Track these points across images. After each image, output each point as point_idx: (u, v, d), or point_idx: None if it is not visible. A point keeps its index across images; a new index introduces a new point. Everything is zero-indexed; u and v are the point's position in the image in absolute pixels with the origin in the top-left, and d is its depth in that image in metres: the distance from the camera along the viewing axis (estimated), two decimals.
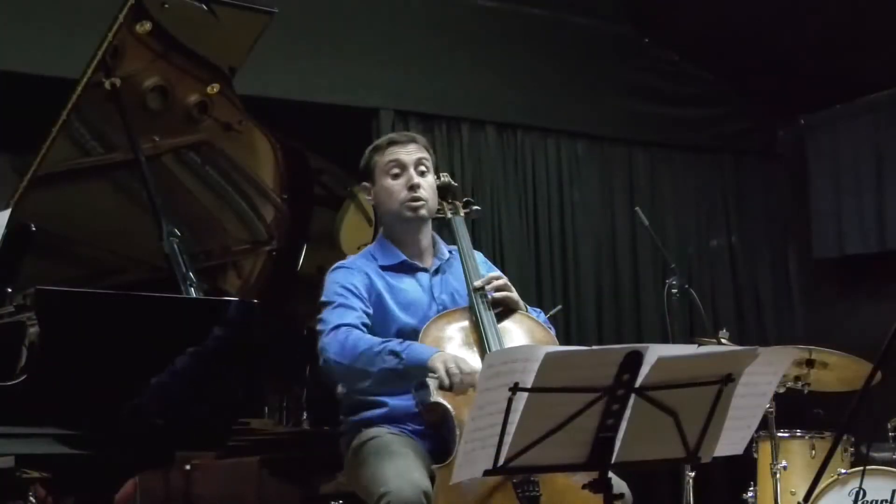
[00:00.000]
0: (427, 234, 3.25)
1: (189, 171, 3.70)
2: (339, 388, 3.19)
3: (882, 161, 6.09)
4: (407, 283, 3.16)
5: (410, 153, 3.17)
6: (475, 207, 3.43)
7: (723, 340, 4.59)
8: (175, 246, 3.14)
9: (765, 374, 2.46)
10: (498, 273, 3.23)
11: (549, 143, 5.93)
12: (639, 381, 2.28)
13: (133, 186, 3.49)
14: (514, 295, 3.18)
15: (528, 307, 3.27)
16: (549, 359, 2.19)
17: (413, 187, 3.13)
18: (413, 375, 2.89)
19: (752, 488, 4.65)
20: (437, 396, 2.89)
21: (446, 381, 2.79)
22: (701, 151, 6.47)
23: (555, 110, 5.93)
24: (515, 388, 2.20)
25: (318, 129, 4.72)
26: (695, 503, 4.61)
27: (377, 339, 2.94)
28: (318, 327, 3.04)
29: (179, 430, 2.87)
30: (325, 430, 3.58)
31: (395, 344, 2.90)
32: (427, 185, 3.17)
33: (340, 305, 3.04)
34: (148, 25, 3.26)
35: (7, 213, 3.12)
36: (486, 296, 3.11)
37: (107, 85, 3.28)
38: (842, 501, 4.19)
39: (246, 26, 3.49)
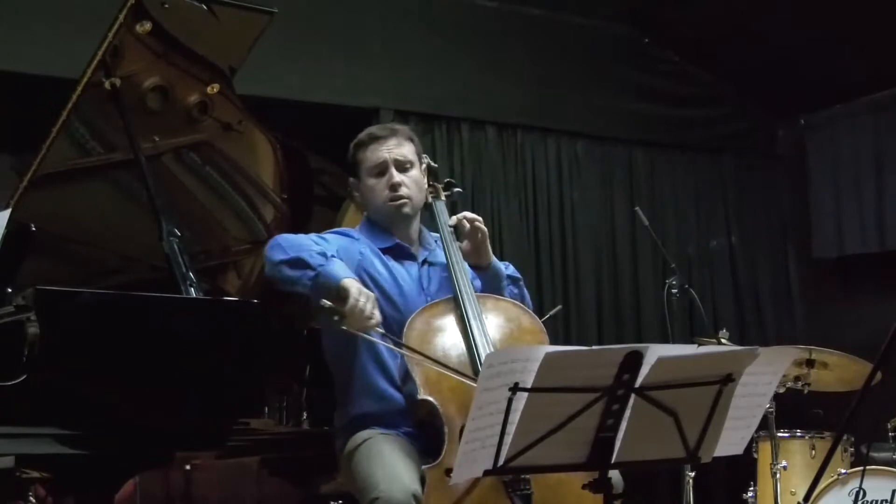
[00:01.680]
0: (415, 226, 3.25)
1: (189, 171, 3.70)
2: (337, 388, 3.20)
3: (882, 161, 6.09)
4: (398, 271, 3.16)
5: (391, 149, 3.16)
6: (457, 189, 3.40)
7: (723, 340, 4.59)
8: (175, 246, 3.13)
9: (765, 374, 2.47)
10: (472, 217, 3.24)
11: (549, 143, 5.93)
12: (639, 381, 2.28)
13: (133, 186, 3.49)
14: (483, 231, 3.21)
15: (498, 261, 3.29)
16: (549, 359, 2.19)
17: (394, 186, 3.13)
18: (321, 287, 2.90)
19: (752, 488, 4.65)
20: (424, 394, 2.89)
21: (350, 304, 2.81)
22: (701, 151, 6.47)
23: (555, 110, 5.93)
24: (515, 388, 2.21)
25: (318, 129, 4.72)
26: (695, 503, 4.61)
27: (317, 248, 2.98)
28: None
29: (179, 429, 2.87)
30: (325, 430, 3.58)
31: (327, 250, 2.96)
32: (411, 182, 3.16)
33: (322, 237, 3.09)
34: (148, 25, 3.25)
35: (7, 213, 3.12)
36: (466, 273, 3.11)
37: (107, 85, 3.28)
38: (842, 501, 4.20)
39: (246, 26, 3.48)
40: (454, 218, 3.21)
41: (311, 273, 2.92)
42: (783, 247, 6.71)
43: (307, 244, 2.99)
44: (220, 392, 2.92)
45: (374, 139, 3.18)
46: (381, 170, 3.15)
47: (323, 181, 4.18)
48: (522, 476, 2.72)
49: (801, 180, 6.58)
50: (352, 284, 2.86)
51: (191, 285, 3.07)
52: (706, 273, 6.38)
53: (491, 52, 5.76)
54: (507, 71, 5.79)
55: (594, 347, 2.34)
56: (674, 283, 4.78)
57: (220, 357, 2.93)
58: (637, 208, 4.99)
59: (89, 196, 3.54)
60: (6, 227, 3.06)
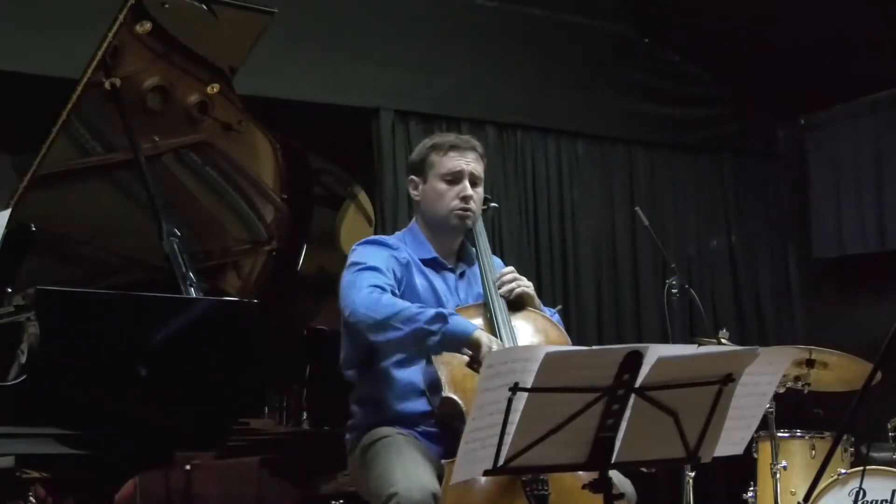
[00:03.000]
0: (459, 240, 3.28)
1: (189, 171, 3.70)
2: (353, 393, 3.20)
3: (882, 161, 6.09)
4: (435, 280, 3.19)
5: (469, 163, 3.18)
6: (493, 205, 3.45)
7: (723, 340, 4.59)
8: (175, 246, 3.14)
9: (765, 374, 2.47)
10: (510, 270, 3.23)
11: (549, 143, 5.93)
12: (639, 381, 2.28)
13: (133, 186, 3.49)
14: (530, 290, 3.20)
15: (543, 307, 3.29)
16: (549, 359, 2.19)
17: (466, 198, 3.16)
18: (448, 344, 2.89)
19: (752, 488, 4.65)
20: (448, 392, 2.90)
21: (483, 353, 2.79)
22: (701, 151, 6.48)
23: (555, 110, 5.93)
24: (515, 388, 2.21)
25: (318, 129, 4.72)
26: (695, 503, 4.61)
27: (413, 304, 2.96)
28: (345, 281, 3.04)
29: (179, 430, 2.87)
30: (325, 430, 3.58)
31: (437, 309, 2.93)
32: (478, 198, 3.20)
33: (373, 269, 3.05)
34: (148, 25, 3.25)
35: (7, 213, 3.12)
36: (501, 295, 3.13)
37: (107, 85, 3.28)
38: (842, 501, 4.20)
39: (246, 26, 3.48)
40: (497, 281, 3.18)
41: (435, 339, 2.87)
42: (783, 247, 6.70)
43: (400, 307, 2.91)
44: (220, 392, 2.92)
45: (455, 148, 3.19)
46: (456, 178, 3.17)
47: (323, 181, 4.18)
48: (541, 477, 2.73)
49: (800, 180, 6.58)
50: (480, 337, 2.87)
51: (191, 285, 3.07)
52: (706, 273, 6.38)
53: (491, 52, 5.76)
54: (507, 71, 5.79)
55: (594, 347, 2.34)
56: (674, 283, 4.79)
57: (219, 357, 2.93)
58: (637, 208, 4.99)
59: (89, 196, 3.54)
60: (6, 227, 3.06)
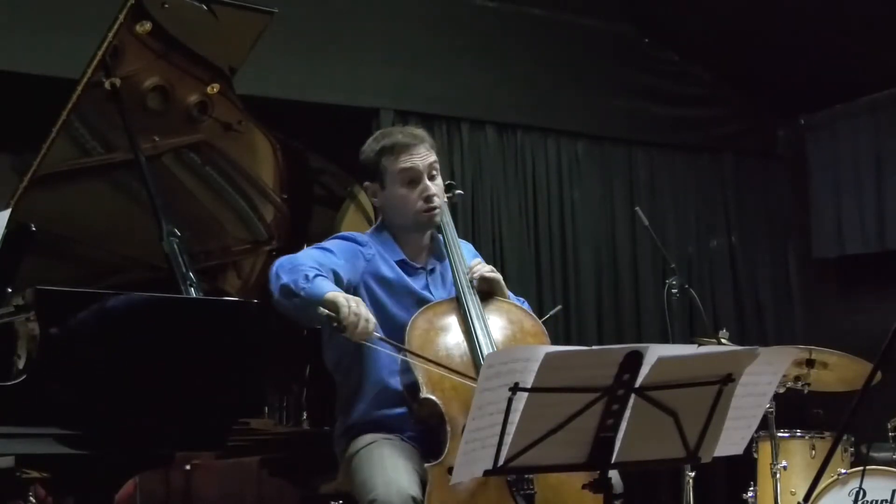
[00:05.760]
0: (428, 235, 3.24)
1: (189, 171, 3.70)
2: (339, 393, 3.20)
3: (882, 161, 6.09)
4: (407, 276, 3.14)
5: (423, 158, 3.10)
6: (458, 192, 3.39)
7: (723, 340, 4.59)
8: (175, 246, 3.14)
9: (765, 374, 2.47)
10: (479, 262, 3.22)
11: (549, 143, 5.94)
12: (639, 381, 2.28)
13: (133, 186, 3.49)
14: (498, 276, 3.18)
15: (513, 295, 3.26)
16: (550, 359, 2.19)
17: (429, 198, 3.09)
18: (307, 306, 2.82)
19: (752, 488, 4.65)
20: (426, 392, 2.89)
21: (343, 314, 2.75)
22: (701, 151, 6.48)
23: (555, 110, 5.93)
24: (515, 388, 2.21)
25: (318, 129, 4.72)
26: (695, 503, 4.61)
27: (312, 265, 2.91)
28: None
29: (179, 430, 2.87)
30: (325, 430, 3.58)
31: (313, 270, 2.87)
32: (439, 190, 3.13)
33: (326, 251, 3.03)
34: (148, 25, 3.26)
35: (7, 213, 3.12)
36: (472, 284, 3.11)
37: (107, 85, 3.28)
38: (842, 501, 4.20)
39: (246, 26, 3.48)
40: (470, 268, 3.17)
41: (297, 300, 2.85)
42: (783, 247, 6.70)
43: (300, 265, 2.90)
44: (220, 392, 2.92)
45: (405, 147, 3.09)
46: (414, 178, 3.08)
47: (323, 181, 4.18)
48: (526, 476, 2.72)
49: (801, 180, 6.58)
50: (336, 296, 2.80)
51: (191, 285, 3.07)
52: (706, 273, 6.38)
53: (491, 52, 5.76)
54: (507, 71, 5.79)
55: (594, 347, 2.34)
56: (674, 283, 4.79)
57: (219, 357, 2.93)
58: (637, 208, 4.99)
59: (89, 196, 3.54)
60: (6, 227, 3.06)
